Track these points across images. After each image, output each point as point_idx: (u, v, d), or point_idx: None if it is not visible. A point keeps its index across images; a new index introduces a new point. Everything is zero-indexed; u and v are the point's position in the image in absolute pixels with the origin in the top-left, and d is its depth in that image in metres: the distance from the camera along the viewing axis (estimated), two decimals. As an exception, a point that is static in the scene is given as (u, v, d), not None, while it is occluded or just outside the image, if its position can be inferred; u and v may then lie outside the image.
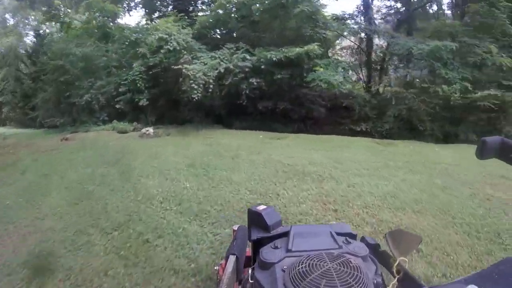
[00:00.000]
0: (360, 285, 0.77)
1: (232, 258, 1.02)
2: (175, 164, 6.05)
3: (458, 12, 13.02)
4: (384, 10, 15.54)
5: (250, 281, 0.95)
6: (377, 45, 13.08)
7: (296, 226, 1.13)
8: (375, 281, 0.86)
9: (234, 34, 12.93)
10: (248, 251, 1.29)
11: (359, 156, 6.73)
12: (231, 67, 10.00)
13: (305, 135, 9.55)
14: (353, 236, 1.10)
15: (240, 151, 6.99)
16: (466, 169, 5.84)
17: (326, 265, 0.83)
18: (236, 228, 1.37)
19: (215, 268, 1.62)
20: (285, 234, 1.08)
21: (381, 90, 11.44)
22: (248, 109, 10.73)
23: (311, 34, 10.71)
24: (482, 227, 3.48)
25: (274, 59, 9.81)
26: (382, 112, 10.51)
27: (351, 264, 0.83)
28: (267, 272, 0.90)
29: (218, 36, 13.36)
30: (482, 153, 1.06)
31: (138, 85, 11.70)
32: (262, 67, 10.05)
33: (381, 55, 12.55)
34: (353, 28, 12.31)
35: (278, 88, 10.42)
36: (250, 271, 1.02)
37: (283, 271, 0.87)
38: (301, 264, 0.84)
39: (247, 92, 10.03)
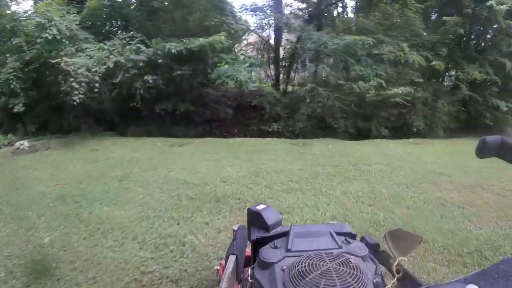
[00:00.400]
0: (360, 284, 0.76)
1: (232, 258, 1.03)
2: (40, 198, 4.35)
3: (361, 15, 12.71)
4: (295, 5, 14.69)
5: (250, 281, 0.95)
6: (287, 40, 12.20)
7: (296, 226, 1.11)
8: (374, 281, 0.85)
9: (131, 23, 11.08)
10: (248, 251, 1.24)
11: (280, 163, 5.96)
12: (122, 61, 8.27)
13: (211, 140, 8.41)
14: (353, 236, 1.09)
15: (132, 168, 5.66)
16: (399, 168, 5.74)
17: (326, 265, 0.82)
18: (236, 228, 1.35)
19: (215, 268, 1.68)
20: (285, 234, 1.08)
21: (293, 87, 10.74)
22: (144, 113, 9.09)
23: (217, 24, 9.52)
24: (460, 247, 3.01)
25: (173, 51, 8.29)
26: (294, 111, 9.83)
27: (350, 264, 0.83)
28: (267, 271, 0.90)
29: (113, 27, 11.41)
30: (481, 152, 1.03)
31: (12, 86, 9.26)
32: (160, 61, 8.45)
33: (292, 50, 11.66)
34: (262, 21, 11.42)
35: (178, 86, 8.87)
36: (249, 270, 1.03)
37: (283, 270, 0.86)
38: (301, 264, 0.84)
39: (142, 92, 8.37)
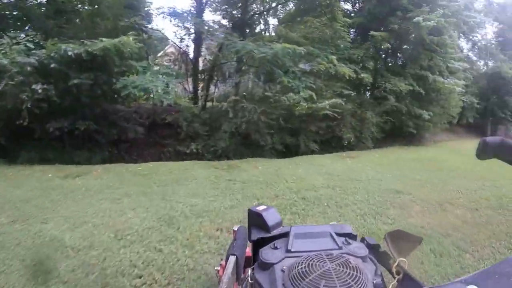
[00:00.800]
0: (360, 285, 0.77)
1: (232, 259, 1.02)
2: None
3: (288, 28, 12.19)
4: (217, 18, 13.09)
5: (250, 281, 0.96)
6: (208, 49, 11.27)
7: (296, 226, 1.12)
8: (374, 282, 0.86)
9: (30, 21, 9.29)
10: (248, 251, 1.26)
11: (202, 199, 4.65)
12: (7, 64, 6.73)
13: (117, 167, 6.90)
14: (353, 237, 1.10)
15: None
16: (351, 190, 5.25)
17: (326, 266, 0.83)
18: (236, 229, 1.35)
19: (216, 268, 1.64)
20: (285, 235, 1.08)
21: (213, 102, 9.83)
22: (36, 133, 7.28)
23: (128, 25, 8.29)
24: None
25: (70, 53, 6.82)
26: (215, 128, 8.87)
27: (350, 265, 0.84)
28: (267, 272, 0.91)
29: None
30: (482, 154, 1.04)
31: None
32: (52, 65, 6.88)
33: (213, 61, 10.63)
34: (181, 27, 10.37)
35: (76, 100, 7.27)
36: (250, 271, 1.02)
37: (283, 271, 0.87)
38: (301, 265, 0.84)
39: (29, 105, 6.84)
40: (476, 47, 22.36)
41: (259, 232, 1.16)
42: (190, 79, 10.87)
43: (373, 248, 1.06)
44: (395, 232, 1.07)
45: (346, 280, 0.77)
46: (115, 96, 7.72)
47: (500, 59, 21.13)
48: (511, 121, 22.01)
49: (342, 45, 10.86)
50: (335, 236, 1.04)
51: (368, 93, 12.83)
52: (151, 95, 7.35)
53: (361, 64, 11.15)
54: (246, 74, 8.89)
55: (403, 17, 11.23)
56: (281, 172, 6.40)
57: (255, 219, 1.21)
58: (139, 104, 8.97)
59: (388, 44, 11.04)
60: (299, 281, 0.78)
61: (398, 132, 12.78)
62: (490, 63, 22.11)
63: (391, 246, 1.01)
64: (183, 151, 8.42)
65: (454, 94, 14.25)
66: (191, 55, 10.98)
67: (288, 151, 9.09)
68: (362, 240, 1.13)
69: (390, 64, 13.02)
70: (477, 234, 3.65)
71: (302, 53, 8.68)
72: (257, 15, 12.15)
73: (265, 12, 12.33)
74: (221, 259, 1.90)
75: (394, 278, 0.88)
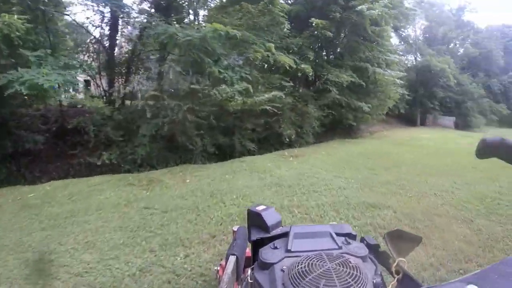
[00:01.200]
0: (359, 285, 0.76)
1: (232, 259, 1.02)
2: None
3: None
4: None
5: (250, 281, 0.95)
6: (126, 36, 9.51)
7: (295, 226, 1.11)
8: (374, 281, 0.85)
9: None
10: (248, 251, 1.25)
11: (100, 259, 3.02)
12: None
13: (5, 192, 5.33)
14: (353, 237, 1.10)
15: None
16: (316, 209, 4.26)
17: (326, 265, 0.82)
18: (236, 229, 1.35)
19: (215, 268, 1.63)
20: (285, 235, 1.08)
21: (131, 101, 8.21)
22: None
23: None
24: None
25: None
26: (132, 132, 7.30)
27: (350, 264, 0.83)
28: (267, 272, 0.90)
29: None
30: (481, 153, 1.03)
31: None
32: None
33: (133, 50, 9.11)
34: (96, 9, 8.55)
35: None
36: (249, 271, 1.02)
37: (283, 271, 0.87)
38: (300, 264, 0.84)
39: None
40: (404, 42, 23.22)
41: (259, 232, 1.15)
42: (106, 74, 9.10)
43: (373, 248, 1.05)
44: (394, 231, 1.05)
45: (346, 280, 0.76)
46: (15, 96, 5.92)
47: (428, 54, 22.25)
48: (439, 110, 23.54)
49: (281, 33, 10.02)
50: (334, 236, 1.03)
51: (309, 86, 12.19)
52: (43, 92, 5.70)
53: (300, 55, 10.37)
54: (168, 64, 7.40)
55: (345, 6, 10.76)
56: (216, 188, 5.11)
57: (255, 219, 1.20)
58: (47, 106, 7.15)
59: (329, 33, 10.40)
60: (299, 281, 0.77)
61: (337, 125, 12.50)
62: (419, 58, 23.17)
63: (391, 246, 1.00)
64: (94, 162, 6.73)
65: (391, 86, 14.41)
66: (108, 44, 9.25)
67: (222, 153, 8.04)
68: (362, 240, 1.12)
69: (331, 55, 12.48)
70: (493, 259, 3.02)
71: (237, 36, 7.53)
72: (186, 4, 10.62)
73: (194, 2, 10.82)
74: (221, 259, 1.85)
75: (394, 277, 0.89)
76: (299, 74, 10.94)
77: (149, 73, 8.18)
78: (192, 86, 7.25)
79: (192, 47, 7.29)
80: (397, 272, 0.90)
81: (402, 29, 20.08)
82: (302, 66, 9.60)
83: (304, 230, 1.08)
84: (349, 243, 1.01)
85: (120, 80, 8.75)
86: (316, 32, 10.64)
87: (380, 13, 10.14)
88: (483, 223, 3.88)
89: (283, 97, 8.62)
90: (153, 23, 7.56)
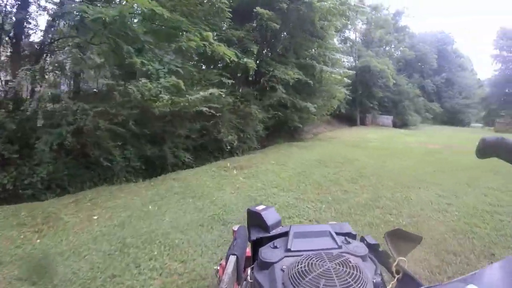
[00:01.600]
0: (359, 284, 0.75)
1: (232, 258, 1.01)
2: None
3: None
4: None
5: (250, 281, 0.95)
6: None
7: (295, 226, 1.10)
8: (374, 281, 0.83)
9: None
10: (248, 251, 1.23)
11: None
12: None
13: None
14: (353, 236, 1.09)
15: None
16: None
17: (325, 265, 0.81)
18: (236, 229, 1.31)
19: (215, 268, 1.62)
20: (285, 234, 1.07)
21: (38, 103, 6.17)
22: None
23: None
24: None
25: None
26: (27, 145, 5.37)
27: (350, 264, 0.82)
28: (267, 272, 0.89)
29: None
30: (481, 153, 1.03)
31: None
32: None
33: (43, 40, 6.81)
34: None
35: None
36: (249, 271, 1.02)
37: (282, 270, 0.86)
38: (300, 264, 0.83)
39: None
40: (344, 43, 23.53)
41: (259, 232, 1.14)
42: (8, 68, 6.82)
43: (373, 248, 1.04)
44: (394, 231, 1.03)
45: (346, 279, 0.75)
46: None
47: (368, 55, 22.79)
48: (377, 110, 24.31)
49: (221, 24, 8.81)
50: (334, 236, 1.02)
51: (251, 84, 11.11)
52: None
53: (242, 48, 9.22)
54: (75, 51, 5.68)
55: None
56: (131, 233, 3.50)
57: (255, 219, 1.19)
58: None
59: (275, 24, 9.38)
60: (298, 280, 0.76)
61: (282, 126, 11.64)
62: (357, 59, 23.62)
63: (391, 245, 0.99)
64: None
65: (336, 85, 14.02)
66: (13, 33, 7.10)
67: (151, 167, 6.51)
68: (362, 239, 1.10)
69: (277, 51, 11.48)
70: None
71: (165, 16, 6.08)
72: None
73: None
74: (221, 259, 1.79)
75: (394, 277, 0.88)
76: (241, 72, 9.86)
77: (57, 67, 6.33)
78: (106, 81, 5.69)
79: (108, 31, 5.78)
80: (397, 272, 0.89)
81: (343, 30, 20.20)
82: (245, 60, 8.47)
83: (304, 230, 1.06)
84: (349, 243, 0.99)
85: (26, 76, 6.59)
86: (261, 24, 9.59)
87: (332, 5, 9.43)
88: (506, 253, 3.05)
89: (223, 96, 7.38)
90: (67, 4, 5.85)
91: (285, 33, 11.13)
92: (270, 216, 1.17)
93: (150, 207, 4.47)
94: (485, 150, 1.01)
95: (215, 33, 8.11)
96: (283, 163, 7.11)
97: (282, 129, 11.84)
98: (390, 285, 0.83)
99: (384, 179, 5.85)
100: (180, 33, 7.11)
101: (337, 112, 18.52)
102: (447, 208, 4.35)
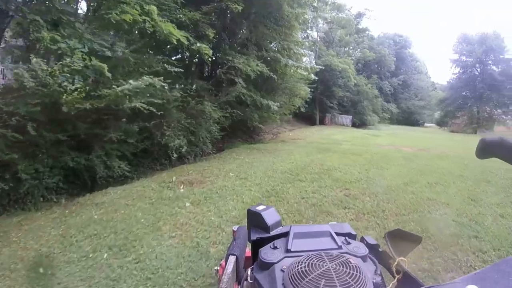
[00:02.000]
0: (360, 285, 0.74)
1: (232, 259, 1.02)
2: None
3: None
4: None
5: (250, 281, 0.93)
6: None
7: (295, 226, 1.08)
8: (374, 281, 0.82)
9: None
10: (248, 251, 1.23)
11: None
12: None
13: None
14: (353, 236, 1.06)
15: None
16: None
17: (325, 265, 0.79)
18: (236, 229, 1.34)
19: (215, 268, 1.55)
20: (285, 235, 1.05)
21: None
22: None
23: None
24: None
25: None
26: None
27: (350, 264, 0.80)
28: (266, 272, 0.88)
29: None
30: (481, 153, 0.98)
31: None
32: None
33: None
34: None
35: None
36: (249, 271, 0.98)
37: (282, 271, 0.84)
38: (300, 264, 0.81)
39: None
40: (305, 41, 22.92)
41: (259, 232, 1.11)
42: None
43: (373, 248, 1.03)
44: (394, 231, 1.03)
45: (346, 280, 0.73)
46: None
47: (330, 54, 22.40)
48: (337, 109, 24.06)
49: (172, 5, 7.23)
50: (334, 236, 1.00)
51: (206, 77, 9.66)
52: None
53: (196, 33, 7.69)
54: None
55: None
56: None
57: (255, 219, 1.15)
58: None
59: (238, 6, 7.91)
60: (298, 281, 0.75)
61: (239, 126, 10.35)
62: (317, 58, 23.09)
63: (391, 245, 0.98)
64: None
65: (300, 82, 13.05)
66: None
67: (77, 184, 4.96)
68: (362, 239, 1.09)
69: (237, 39, 10.09)
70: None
71: None
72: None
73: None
74: (221, 259, 1.69)
75: (394, 277, 0.87)
76: (194, 64, 8.37)
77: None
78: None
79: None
80: (398, 272, 0.88)
81: (308, 25, 19.43)
82: (198, 45, 6.99)
83: (304, 230, 1.05)
84: (349, 243, 0.97)
85: None
86: (221, 7, 8.16)
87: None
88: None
89: (166, 89, 5.88)
90: None
91: (248, 20, 9.74)
92: (270, 216, 1.12)
93: (41, 269, 2.85)
94: (485, 150, 0.95)
95: (165, 14, 6.62)
96: (245, 177, 5.68)
97: (239, 129, 10.56)
98: (390, 285, 0.81)
99: (380, 200, 4.63)
100: (113, 4, 5.50)
101: (296, 111, 17.77)
102: (479, 246, 3.23)
